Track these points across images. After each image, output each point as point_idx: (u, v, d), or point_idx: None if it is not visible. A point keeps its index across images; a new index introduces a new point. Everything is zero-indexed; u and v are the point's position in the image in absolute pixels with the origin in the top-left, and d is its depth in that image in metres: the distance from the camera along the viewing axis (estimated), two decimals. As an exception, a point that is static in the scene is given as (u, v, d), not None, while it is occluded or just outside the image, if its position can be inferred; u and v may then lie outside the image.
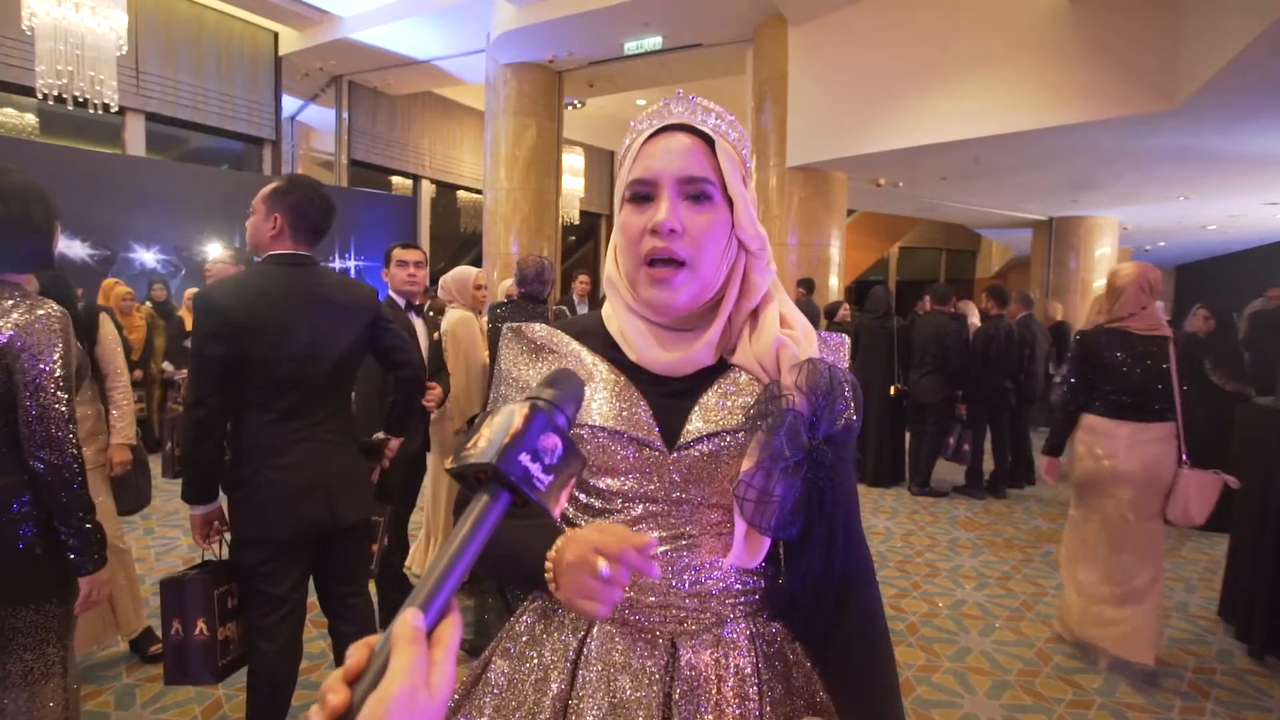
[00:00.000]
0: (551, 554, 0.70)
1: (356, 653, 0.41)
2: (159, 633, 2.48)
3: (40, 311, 1.44)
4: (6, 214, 1.46)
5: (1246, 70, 4.08)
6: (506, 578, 0.82)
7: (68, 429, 1.42)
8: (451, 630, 0.43)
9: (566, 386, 0.55)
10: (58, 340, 1.43)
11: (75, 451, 1.43)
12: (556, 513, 0.51)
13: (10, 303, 1.43)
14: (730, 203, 0.77)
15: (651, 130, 0.77)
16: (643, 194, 0.76)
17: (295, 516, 1.77)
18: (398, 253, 2.93)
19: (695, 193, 0.75)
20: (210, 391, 1.70)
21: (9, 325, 1.40)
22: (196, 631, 1.71)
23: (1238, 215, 9.43)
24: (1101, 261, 9.91)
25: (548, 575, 0.70)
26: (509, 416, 0.50)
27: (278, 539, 1.77)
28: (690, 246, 0.74)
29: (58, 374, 1.42)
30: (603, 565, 0.62)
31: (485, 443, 0.49)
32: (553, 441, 0.50)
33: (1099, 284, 9.73)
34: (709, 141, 0.76)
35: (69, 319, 1.48)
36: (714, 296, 0.79)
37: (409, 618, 0.41)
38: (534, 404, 0.52)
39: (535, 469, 0.48)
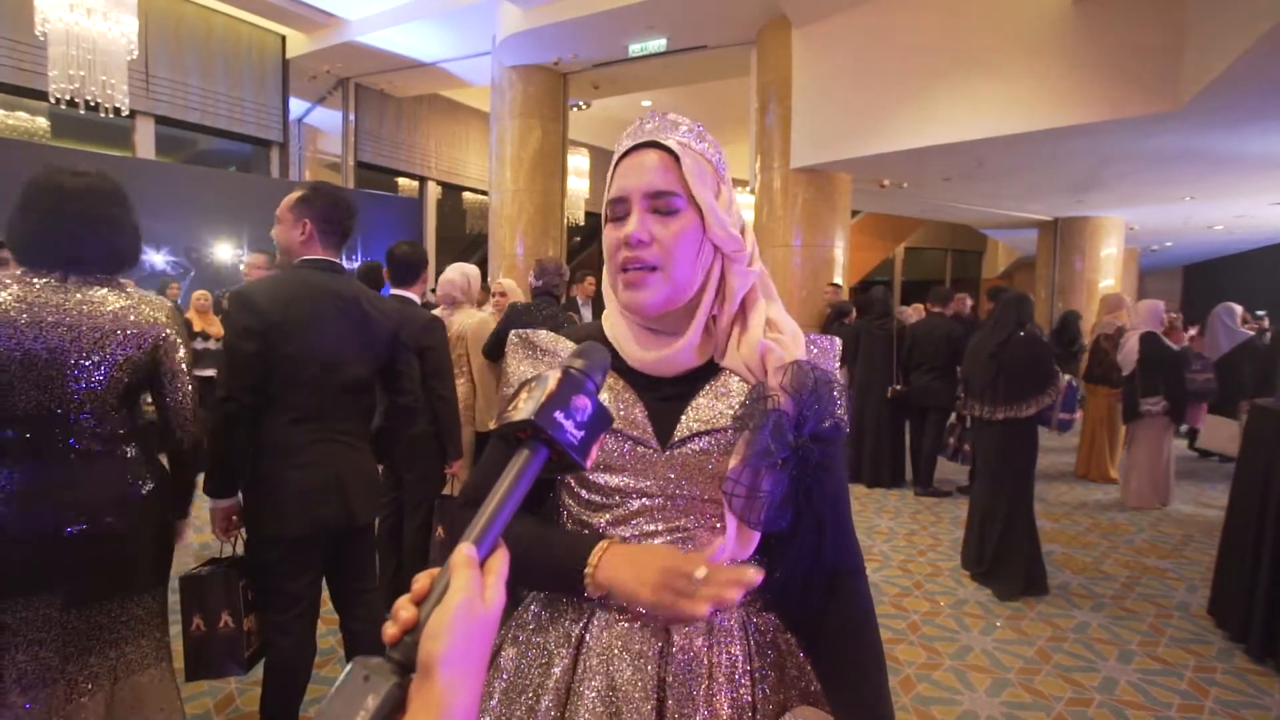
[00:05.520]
0: (593, 559, 0.76)
1: (420, 580, 0.49)
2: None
3: (169, 305, 1.58)
4: (113, 216, 1.53)
5: (1251, 71, 4.08)
6: (539, 582, 0.86)
7: (199, 408, 1.64)
8: (501, 561, 0.51)
9: (594, 357, 0.61)
10: (183, 331, 1.61)
11: (201, 426, 1.66)
12: (588, 464, 0.56)
13: (137, 296, 1.56)
14: (701, 210, 0.80)
15: (623, 151, 0.82)
16: (619, 213, 0.81)
17: (311, 516, 1.81)
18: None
19: (663, 207, 0.79)
20: (241, 387, 1.74)
21: (161, 316, 1.56)
22: (221, 624, 1.75)
23: (1244, 215, 9.40)
24: (1107, 262, 9.88)
25: (588, 573, 0.75)
26: (544, 382, 0.57)
27: (294, 537, 1.81)
28: (660, 253, 0.79)
29: (188, 360, 1.62)
30: (701, 570, 0.69)
31: (524, 403, 0.55)
32: (583, 402, 0.57)
33: (1105, 284, 9.71)
34: (676, 155, 0.80)
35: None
36: (692, 299, 0.82)
37: (464, 549, 0.49)
38: (566, 370, 0.58)
39: (569, 425, 0.55)
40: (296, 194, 1.91)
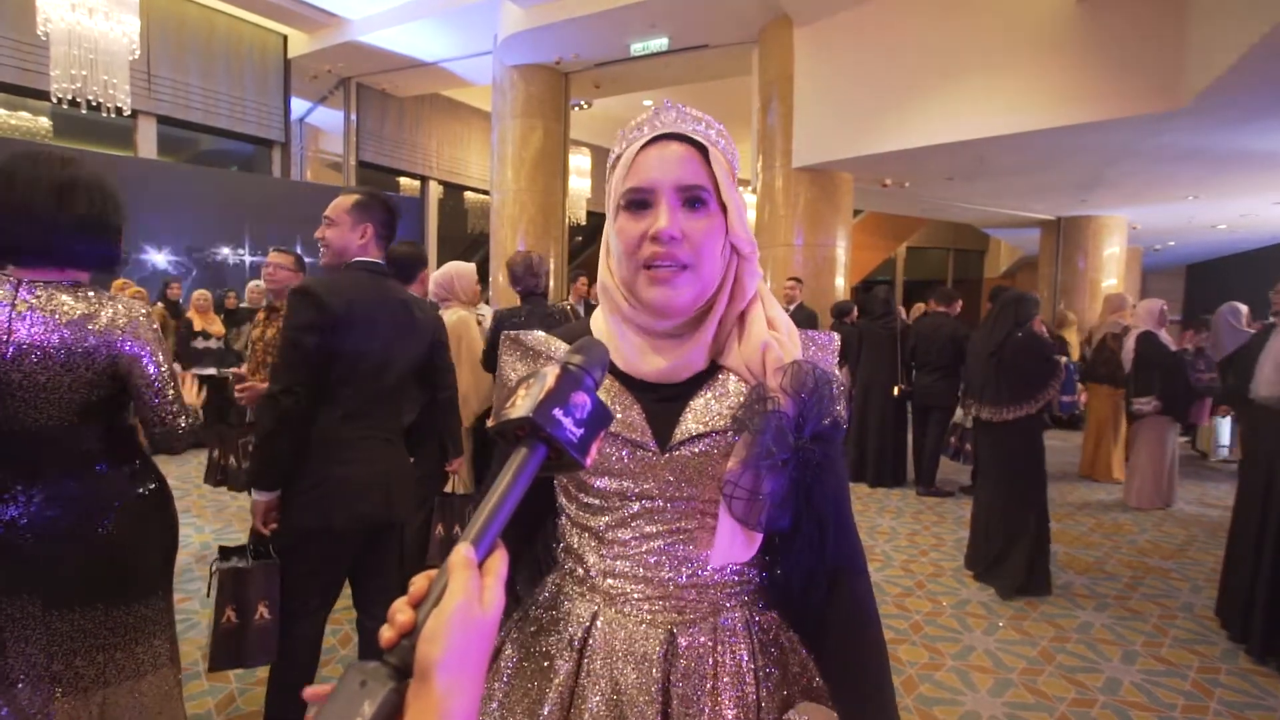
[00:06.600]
0: None
1: (418, 582, 0.48)
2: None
3: (135, 311, 1.51)
4: (88, 214, 1.45)
5: (1254, 69, 4.06)
6: None
7: (182, 404, 1.60)
8: (500, 562, 0.50)
9: (593, 353, 0.59)
10: (155, 335, 1.52)
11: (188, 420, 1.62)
12: (588, 462, 0.55)
13: (98, 302, 1.46)
14: (724, 208, 0.78)
15: (645, 139, 0.78)
16: (640, 201, 0.77)
17: (355, 511, 1.84)
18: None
19: (692, 199, 0.76)
20: (301, 381, 1.75)
21: (120, 324, 1.45)
22: (257, 616, 1.77)
23: (1247, 214, 9.36)
24: (1110, 261, 9.85)
25: None
26: (543, 379, 0.55)
27: (336, 532, 1.83)
28: (691, 251, 0.76)
29: (164, 362, 1.53)
30: None
31: (522, 401, 0.54)
32: (582, 399, 0.55)
33: (1108, 284, 9.68)
34: (702, 150, 0.77)
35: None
36: (708, 300, 0.80)
37: (462, 550, 0.48)
38: (565, 366, 0.57)
39: (568, 422, 0.53)
40: (354, 198, 1.95)
